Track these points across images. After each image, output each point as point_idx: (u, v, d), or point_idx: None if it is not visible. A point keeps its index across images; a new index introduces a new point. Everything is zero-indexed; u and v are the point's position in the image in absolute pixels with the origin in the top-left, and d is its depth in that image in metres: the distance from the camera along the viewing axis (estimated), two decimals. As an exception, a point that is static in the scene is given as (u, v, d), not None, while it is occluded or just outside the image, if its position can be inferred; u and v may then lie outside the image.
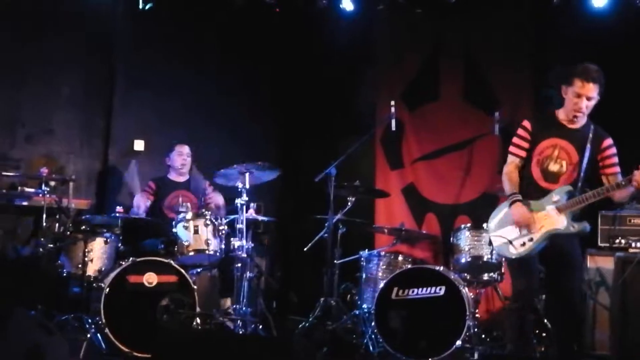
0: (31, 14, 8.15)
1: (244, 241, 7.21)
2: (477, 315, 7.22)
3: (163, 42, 8.79)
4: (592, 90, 5.32)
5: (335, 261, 7.58)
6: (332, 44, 9.02)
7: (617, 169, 5.53)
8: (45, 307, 6.89)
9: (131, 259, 6.86)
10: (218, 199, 7.99)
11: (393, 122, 7.65)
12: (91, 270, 7.06)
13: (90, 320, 6.69)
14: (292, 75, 9.33)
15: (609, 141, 5.51)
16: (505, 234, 5.52)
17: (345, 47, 9.01)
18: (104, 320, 6.53)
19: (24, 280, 7.11)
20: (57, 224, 7.29)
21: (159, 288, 6.82)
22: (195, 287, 6.90)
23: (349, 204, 7.65)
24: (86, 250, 7.01)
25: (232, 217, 7.42)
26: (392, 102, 7.65)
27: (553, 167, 5.44)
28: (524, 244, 5.43)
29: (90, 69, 8.60)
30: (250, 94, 9.26)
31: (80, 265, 7.01)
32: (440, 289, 6.81)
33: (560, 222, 5.39)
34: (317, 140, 9.02)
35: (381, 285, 7.10)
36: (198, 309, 6.88)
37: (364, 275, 7.53)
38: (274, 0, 8.66)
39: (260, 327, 7.26)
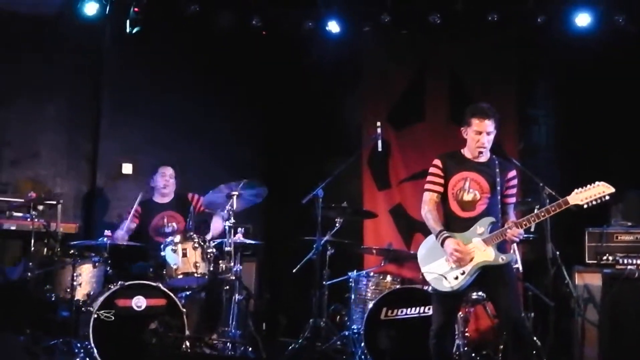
0: (17, 36, 8.17)
1: (232, 263, 7.20)
2: (466, 334, 7.25)
3: (150, 64, 8.81)
4: (489, 126, 5.68)
5: (324, 282, 7.57)
6: (319, 65, 9.05)
7: (514, 199, 5.87)
8: (33, 331, 6.87)
9: (120, 282, 6.87)
10: (217, 225, 8.00)
11: (380, 142, 7.65)
12: (80, 294, 7.03)
13: (79, 345, 6.68)
14: (279, 98, 9.34)
15: (513, 172, 5.83)
16: (436, 269, 5.65)
17: (332, 68, 9.05)
18: (92, 345, 6.53)
19: (12, 305, 7.08)
20: (45, 249, 7.26)
21: (147, 311, 6.83)
22: (184, 310, 6.90)
23: (337, 225, 7.67)
24: (74, 274, 6.98)
25: (219, 240, 7.42)
26: (379, 123, 7.66)
27: (467, 197, 5.68)
28: (457, 278, 5.58)
29: (77, 91, 8.61)
30: (237, 117, 9.28)
31: (68, 290, 6.98)
32: (429, 309, 6.81)
33: (488, 254, 5.57)
34: (304, 162, 9.03)
35: (370, 305, 7.12)
36: (187, 332, 6.88)
37: (352, 296, 7.54)
38: (260, 23, 8.71)
39: (250, 349, 7.26)
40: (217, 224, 7.95)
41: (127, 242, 7.56)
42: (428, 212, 5.75)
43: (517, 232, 5.52)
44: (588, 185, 5.46)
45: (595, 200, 5.42)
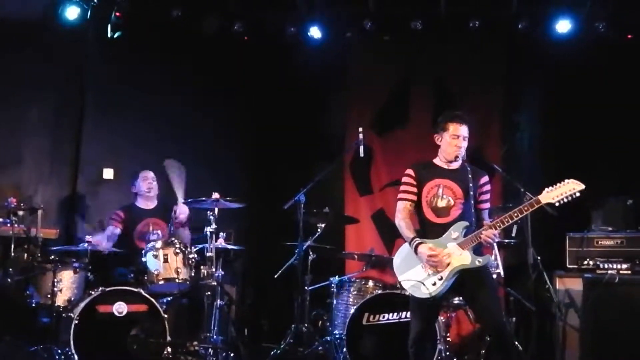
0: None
1: (214, 269, 7.19)
2: (448, 338, 7.28)
3: (134, 69, 8.76)
4: (466, 130, 5.79)
5: (306, 287, 7.59)
6: (303, 71, 9.04)
7: (488, 204, 5.91)
8: (14, 338, 6.83)
9: (100, 288, 6.85)
10: (185, 235, 7.98)
11: (361, 148, 7.67)
12: (60, 300, 7.00)
13: (59, 351, 6.65)
14: (262, 102, 9.31)
15: (485, 178, 5.89)
16: (414, 276, 5.65)
17: (316, 74, 9.04)
18: (73, 351, 6.50)
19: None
20: (25, 254, 7.21)
21: (129, 317, 6.81)
22: (165, 315, 6.88)
23: (319, 230, 7.68)
24: (55, 280, 6.95)
25: (201, 245, 7.40)
26: (360, 129, 7.68)
27: (441, 203, 5.73)
28: (434, 284, 5.59)
29: (59, 95, 8.56)
30: (221, 121, 9.24)
31: (49, 295, 6.95)
32: (410, 314, 6.83)
33: (465, 258, 5.59)
34: (287, 167, 9.02)
35: (352, 310, 7.12)
36: (168, 338, 6.85)
37: (334, 301, 7.53)
38: (242, 28, 8.71)
39: (232, 355, 7.23)
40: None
41: (109, 249, 7.55)
42: (401, 220, 5.79)
43: (492, 234, 5.54)
44: (558, 184, 5.49)
45: (567, 197, 5.45)
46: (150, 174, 7.99)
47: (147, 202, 7.99)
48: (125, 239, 7.79)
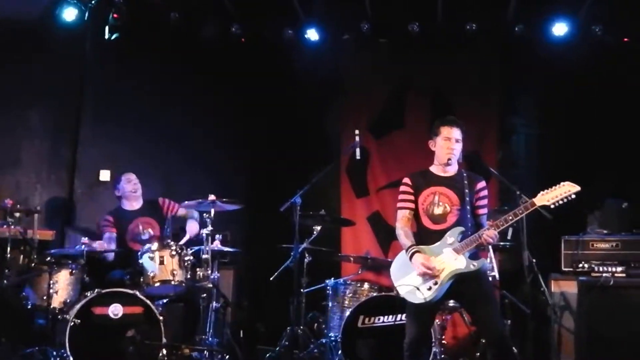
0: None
1: (210, 271, 7.19)
2: (443, 341, 7.28)
3: (132, 73, 8.79)
4: (458, 133, 5.87)
5: (301, 290, 7.57)
6: (299, 74, 9.04)
7: (485, 210, 5.95)
8: (9, 340, 6.84)
9: (96, 290, 6.85)
10: (192, 226, 7.98)
11: (357, 150, 7.69)
12: (56, 302, 7.01)
13: (55, 353, 6.66)
14: (259, 105, 9.31)
15: (482, 184, 5.95)
16: (410, 282, 5.69)
17: (312, 77, 9.04)
18: (69, 353, 6.50)
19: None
20: (21, 256, 7.22)
21: (124, 319, 6.80)
22: (161, 318, 6.87)
23: (315, 232, 7.69)
24: (51, 281, 6.95)
25: (197, 247, 7.40)
26: (357, 131, 7.70)
27: (437, 210, 5.80)
28: (430, 288, 5.63)
29: (58, 98, 8.58)
30: (217, 124, 9.25)
31: (45, 297, 6.94)
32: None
33: (459, 262, 5.64)
34: (283, 170, 9.02)
35: (347, 313, 7.14)
36: (164, 340, 6.85)
37: (330, 304, 7.54)
38: (240, 30, 8.73)
39: (228, 357, 7.24)
40: (192, 226, 7.95)
41: (107, 249, 7.57)
42: (400, 229, 5.88)
43: (493, 234, 5.58)
44: (553, 186, 5.54)
45: (562, 199, 5.49)
46: (133, 176, 7.97)
47: (133, 203, 7.96)
48: (118, 242, 7.78)
